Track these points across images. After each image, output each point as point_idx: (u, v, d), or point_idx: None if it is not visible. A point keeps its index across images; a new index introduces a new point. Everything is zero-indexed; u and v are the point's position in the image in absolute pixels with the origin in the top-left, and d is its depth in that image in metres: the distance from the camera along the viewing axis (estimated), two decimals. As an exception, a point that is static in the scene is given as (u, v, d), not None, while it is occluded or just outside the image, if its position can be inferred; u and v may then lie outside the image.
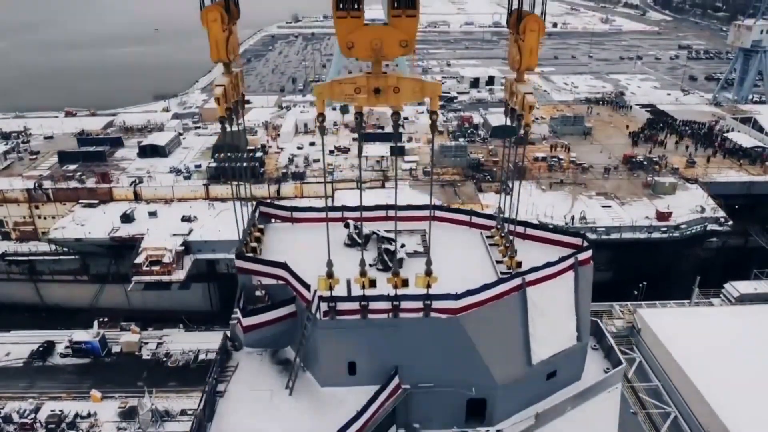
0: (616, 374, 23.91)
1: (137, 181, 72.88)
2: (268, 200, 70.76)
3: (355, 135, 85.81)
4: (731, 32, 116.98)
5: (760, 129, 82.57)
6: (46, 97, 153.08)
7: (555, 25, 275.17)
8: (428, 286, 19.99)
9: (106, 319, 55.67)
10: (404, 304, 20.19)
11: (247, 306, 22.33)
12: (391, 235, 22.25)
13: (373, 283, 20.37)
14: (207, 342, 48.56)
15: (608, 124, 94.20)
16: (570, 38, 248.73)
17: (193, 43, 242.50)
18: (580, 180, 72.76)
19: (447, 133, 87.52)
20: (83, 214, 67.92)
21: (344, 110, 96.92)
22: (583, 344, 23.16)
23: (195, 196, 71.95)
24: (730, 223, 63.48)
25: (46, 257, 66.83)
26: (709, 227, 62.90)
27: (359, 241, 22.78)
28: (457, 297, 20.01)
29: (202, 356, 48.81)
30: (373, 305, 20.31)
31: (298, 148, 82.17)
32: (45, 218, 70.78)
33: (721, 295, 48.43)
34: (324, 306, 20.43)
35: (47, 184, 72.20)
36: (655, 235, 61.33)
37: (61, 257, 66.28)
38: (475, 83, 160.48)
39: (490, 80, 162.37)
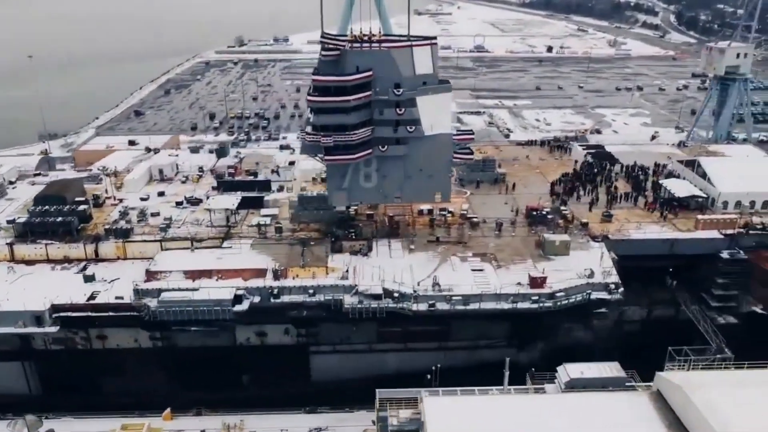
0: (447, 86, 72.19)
1: (-72, 241, 74.29)
2: (85, 262, 72.89)
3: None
4: (702, 57, 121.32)
5: (704, 174, 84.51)
6: None
7: (550, 49, 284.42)
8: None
9: None
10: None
11: None
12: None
13: None
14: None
15: (534, 169, 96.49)
16: (564, 65, 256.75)
17: (84, 73, 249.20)
18: (466, 237, 74.22)
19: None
20: None
21: (221, 153, 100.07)
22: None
23: (-5, 258, 73.41)
24: (621, 290, 64.40)
25: None
26: (595, 296, 63.80)
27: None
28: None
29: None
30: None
31: (142, 199, 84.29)
32: None
33: (555, 380, 49.05)
34: None
35: None
36: (523, 305, 62.23)
37: None
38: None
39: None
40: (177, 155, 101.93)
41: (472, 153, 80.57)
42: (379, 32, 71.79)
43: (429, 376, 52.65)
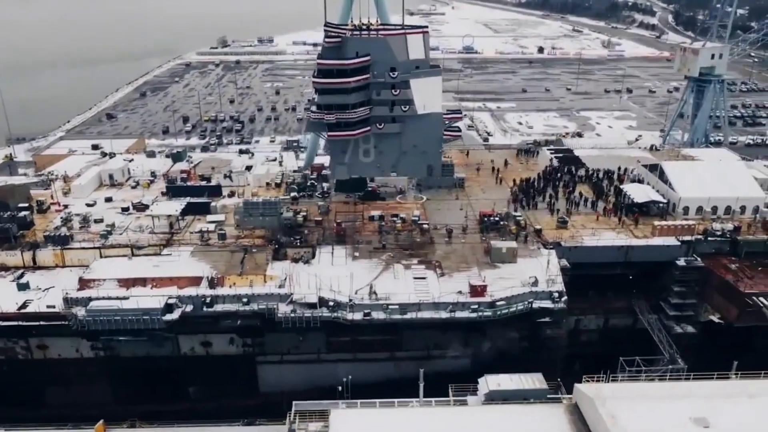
0: (437, 70, 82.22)
1: None
2: (22, 269, 72.91)
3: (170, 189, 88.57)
4: (677, 57, 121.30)
5: (666, 179, 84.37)
6: None
7: (541, 50, 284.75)
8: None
9: None
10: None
11: None
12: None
13: None
14: None
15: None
16: (555, 66, 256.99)
17: (64, 75, 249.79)
18: (413, 244, 74.27)
19: (286, 185, 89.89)
20: None
21: (177, 158, 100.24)
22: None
23: None
24: (565, 299, 64.36)
25: None
26: (537, 304, 63.72)
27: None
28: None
29: None
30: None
31: (88, 205, 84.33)
32: None
33: (478, 392, 49.04)
34: None
35: None
36: (462, 314, 62.18)
37: None
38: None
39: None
40: (132, 160, 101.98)
41: (460, 130, 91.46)
42: (377, 21, 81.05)
43: (340, 388, 52.75)
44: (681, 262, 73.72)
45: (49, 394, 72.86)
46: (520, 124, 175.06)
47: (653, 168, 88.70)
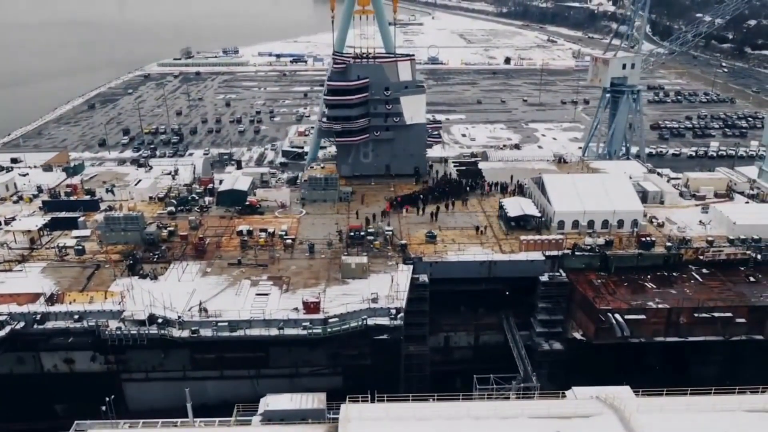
0: (422, 89, 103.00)
1: None
2: None
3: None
4: (590, 68, 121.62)
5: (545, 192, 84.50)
6: None
7: (507, 60, 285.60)
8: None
9: None
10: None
11: None
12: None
13: None
14: None
15: (389, 188, 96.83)
16: (518, 77, 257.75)
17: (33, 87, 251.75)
18: (273, 260, 74.38)
19: (166, 199, 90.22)
20: None
21: (70, 172, 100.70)
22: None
23: None
24: (402, 315, 64.32)
25: None
26: (373, 321, 63.71)
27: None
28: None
29: None
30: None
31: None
32: None
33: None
34: None
35: None
36: (292, 331, 62.23)
37: None
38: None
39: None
40: (26, 174, 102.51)
41: (440, 137, 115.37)
42: (374, 50, 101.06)
43: (104, 408, 52.68)
44: (544, 277, 73.78)
45: None
46: (464, 136, 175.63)
47: (538, 181, 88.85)
